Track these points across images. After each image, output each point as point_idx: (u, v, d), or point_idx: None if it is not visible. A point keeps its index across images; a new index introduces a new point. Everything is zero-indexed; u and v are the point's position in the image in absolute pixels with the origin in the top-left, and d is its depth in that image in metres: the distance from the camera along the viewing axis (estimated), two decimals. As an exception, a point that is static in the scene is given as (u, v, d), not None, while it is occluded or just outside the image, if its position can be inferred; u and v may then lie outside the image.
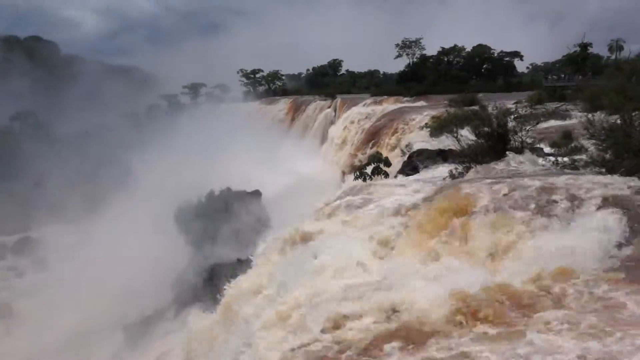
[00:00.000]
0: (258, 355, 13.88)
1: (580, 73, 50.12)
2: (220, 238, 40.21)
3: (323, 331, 11.78)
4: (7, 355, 43.13)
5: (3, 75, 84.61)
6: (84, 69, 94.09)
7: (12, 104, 78.91)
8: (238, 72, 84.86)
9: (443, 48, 64.57)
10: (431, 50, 66.85)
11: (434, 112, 37.34)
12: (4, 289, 53.02)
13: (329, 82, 73.73)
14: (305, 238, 20.03)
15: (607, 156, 16.92)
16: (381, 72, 74.75)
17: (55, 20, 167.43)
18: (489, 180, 17.26)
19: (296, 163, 50.34)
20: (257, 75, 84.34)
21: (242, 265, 26.83)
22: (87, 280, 46.20)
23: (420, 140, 34.92)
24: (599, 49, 55.88)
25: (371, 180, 29.50)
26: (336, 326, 12.13)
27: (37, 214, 61.48)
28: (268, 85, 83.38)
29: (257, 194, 42.97)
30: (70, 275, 48.98)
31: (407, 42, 67.83)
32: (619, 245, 12.74)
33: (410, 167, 29.55)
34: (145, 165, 55.67)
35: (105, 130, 73.16)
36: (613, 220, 13.78)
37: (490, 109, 24.67)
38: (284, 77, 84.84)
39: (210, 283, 34.35)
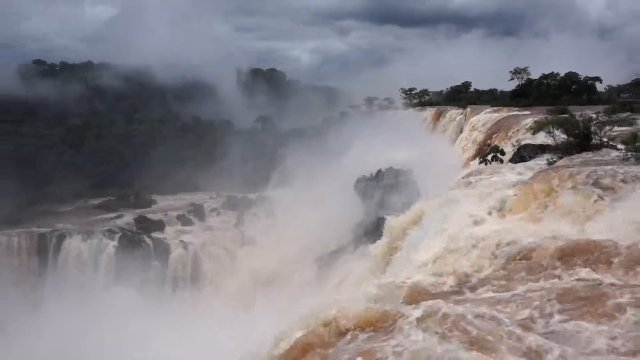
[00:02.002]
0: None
1: None
2: (384, 200, 40.39)
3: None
4: (252, 266, 46.21)
5: (251, 94, 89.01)
6: (299, 89, 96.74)
7: (256, 112, 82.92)
8: (399, 90, 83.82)
9: (543, 74, 62.19)
10: (535, 75, 64.34)
11: (536, 118, 35.78)
12: (250, 228, 56.29)
13: (462, 97, 71.35)
14: (446, 202, 20.05)
15: (665, 150, 16.13)
16: (498, 91, 71.59)
17: (284, 57, 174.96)
18: (577, 166, 17.36)
19: (437, 151, 49.54)
20: (412, 92, 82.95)
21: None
22: (297, 225, 48.14)
23: (526, 137, 33.65)
24: (660, 75, 51.67)
25: (490, 164, 28.82)
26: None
27: (271, 181, 64.23)
28: (419, 99, 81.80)
29: (410, 172, 42.83)
30: (288, 221, 51.08)
31: (518, 70, 65.69)
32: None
33: (519, 156, 28.55)
34: (338, 150, 56.42)
35: (314, 127, 75.08)
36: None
37: (577, 116, 23.83)
38: (430, 94, 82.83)
39: (377, 229, 34.91)
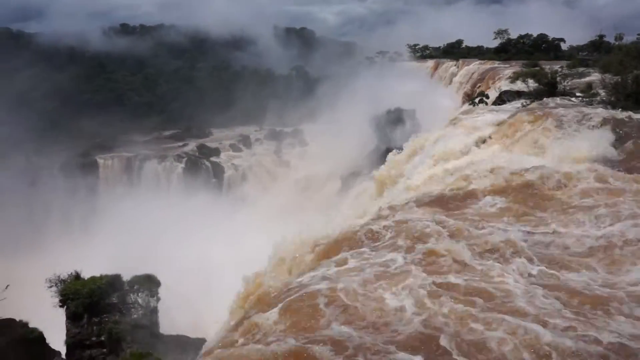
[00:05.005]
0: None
1: (597, 51, 46.91)
2: (391, 133, 39.90)
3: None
4: (287, 182, 46.62)
5: (286, 47, 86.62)
6: (326, 44, 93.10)
7: (291, 62, 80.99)
8: (406, 45, 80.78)
9: (520, 35, 60.97)
10: (514, 35, 62.57)
11: (514, 70, 34.67)
12: (286, 154, 56.24)
13: (455, 52, 68.60)
14: (442, 136, 19.98)
15: (612, 99, 15.70)
16: (485, 47, 68.91)
17: (314, 18, 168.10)
18: (545, 109, 17.11)
19: (435, 96, 48.11)
20: (416, 47, 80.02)
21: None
22: (324, 152, 48.04)
23: (506, 85, 32.84)
24: (610, 37, 50.78)
25: (477, 106, 28.59)
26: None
27: (301, 117, 62.98)
28: (422, 53, 78.81)
29: (413, 110, 41.95)
30: (317, 148, 50.90)
31: (500, 31, 63.52)
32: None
33: (500, 100, 28.03)
34: (356, 92, 54.67)
35: (337, 74, 72.50)
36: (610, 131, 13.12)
37: (546, 69, 23.34)
38: (430, 49, 79.63)
39: (384, 158, 34.73)
